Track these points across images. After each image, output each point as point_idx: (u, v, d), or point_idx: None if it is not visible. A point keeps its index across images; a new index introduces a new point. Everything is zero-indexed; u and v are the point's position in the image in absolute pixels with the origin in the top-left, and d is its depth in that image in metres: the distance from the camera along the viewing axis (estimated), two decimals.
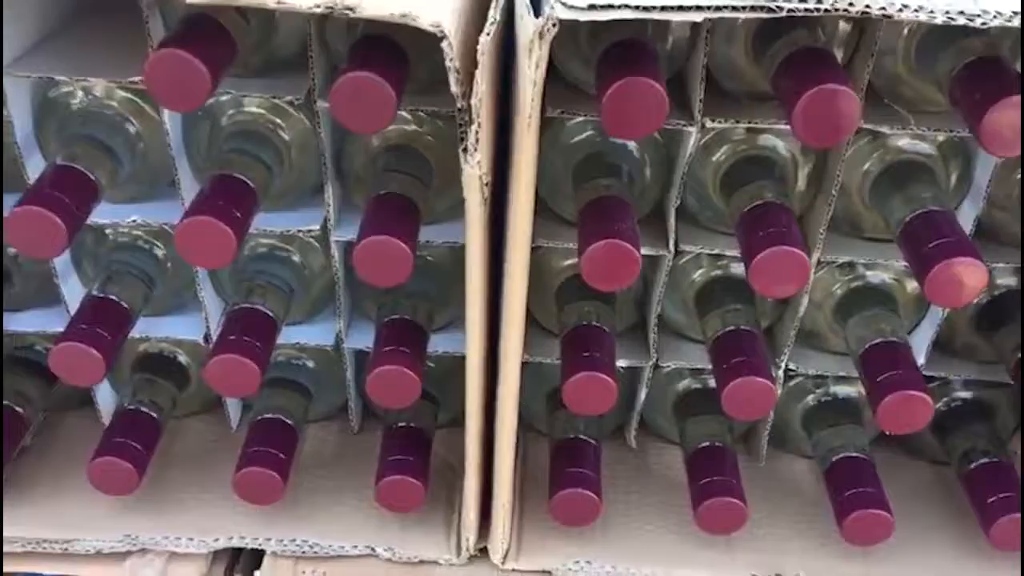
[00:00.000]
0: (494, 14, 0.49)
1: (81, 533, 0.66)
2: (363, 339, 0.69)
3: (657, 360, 0.69)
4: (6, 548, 0.66)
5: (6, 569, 0.66)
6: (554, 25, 0.45)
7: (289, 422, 0.68)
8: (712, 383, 0.64)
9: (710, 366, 0.62)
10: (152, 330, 0.69)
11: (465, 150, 0.50)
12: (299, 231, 0.64)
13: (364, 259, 0.54)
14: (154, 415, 0.69)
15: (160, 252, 0.67)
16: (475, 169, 0.50)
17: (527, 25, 0.46)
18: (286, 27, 0.59)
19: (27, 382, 0.71)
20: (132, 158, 0.62)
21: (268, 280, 0.65)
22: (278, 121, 0.62)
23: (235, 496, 0.66)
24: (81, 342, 0.59)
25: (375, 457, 0.68)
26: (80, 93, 0.61)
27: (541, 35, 0.45)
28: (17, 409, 0.69)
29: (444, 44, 0.47)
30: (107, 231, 0.66)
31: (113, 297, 0.64)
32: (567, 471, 0.65)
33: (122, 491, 0.65)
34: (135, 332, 0.65)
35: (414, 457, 0.67)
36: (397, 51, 0.52)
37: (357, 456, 0.73)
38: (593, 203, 0.57)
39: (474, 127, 0.49)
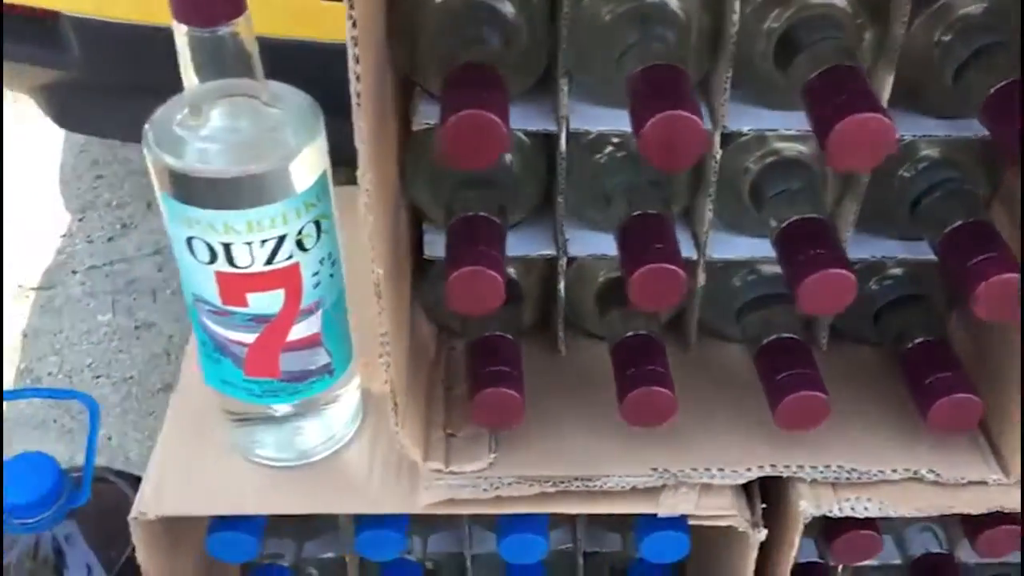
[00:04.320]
0: None
1: (611, 469, 0.62)
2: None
3: None
4: (534, 488, 0.61)
5: (536, 509, 0.62)
6: None
7: None
8: None
9: None
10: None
11: None
12: None
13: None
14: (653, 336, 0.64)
15: None
16: None
17: None
18: None
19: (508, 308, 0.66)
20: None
21: None
22: None
23: (761, 423, 0.61)
24: (667, 263, 0.54)
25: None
26: None
27: None
28: (508, 336, 0.64)
29: None
30: None
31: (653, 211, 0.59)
32: None
33: (659, 421, 0.60)
34: None
35: (954, 372, 0.62)
36: None
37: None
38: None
39: None
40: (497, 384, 0.60)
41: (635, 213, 0.58)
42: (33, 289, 1.53)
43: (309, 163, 0.51)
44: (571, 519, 0.75)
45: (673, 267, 0.54)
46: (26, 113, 1.86)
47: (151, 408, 1.32)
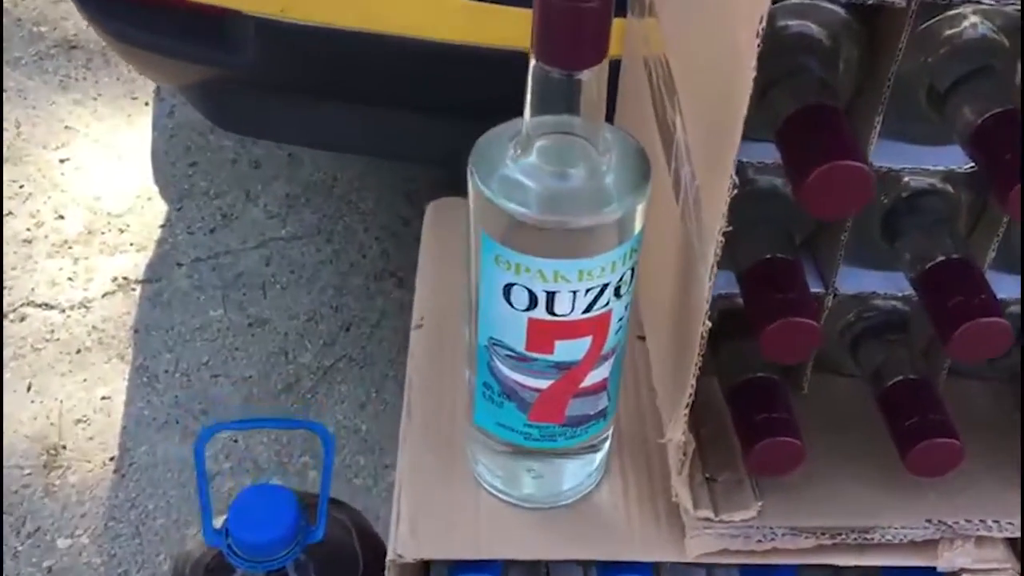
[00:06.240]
0: None
1: (885, 520, 0.60)
2: None
3: None
4: (810, 541, 0.59)
5: (811, 561, 0.60)
6: None
7: None
8: None
9: None
10: None
11: None
12: None
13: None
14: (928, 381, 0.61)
15: None
16: None
17: None
18: None
19: None
20: None
21: None
22: None
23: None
24: (990, 315, 0.52)
25: None
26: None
27: None
28: (773, 377, 0.61)
29: None
30: None
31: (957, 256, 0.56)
32: None
33: (946, 471, 0.58)
34: None
35: None
36: None
37: None
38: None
39: None
40: (777, 434, 0.58)
41: (940, 259, 0.55)
42: (139, 282, 1.51)
43: (641, 214, 0.49)
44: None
45: (998, 319, 0.52)
46: (116, 93, 1.84)
47: (274, 411, 1.29)
